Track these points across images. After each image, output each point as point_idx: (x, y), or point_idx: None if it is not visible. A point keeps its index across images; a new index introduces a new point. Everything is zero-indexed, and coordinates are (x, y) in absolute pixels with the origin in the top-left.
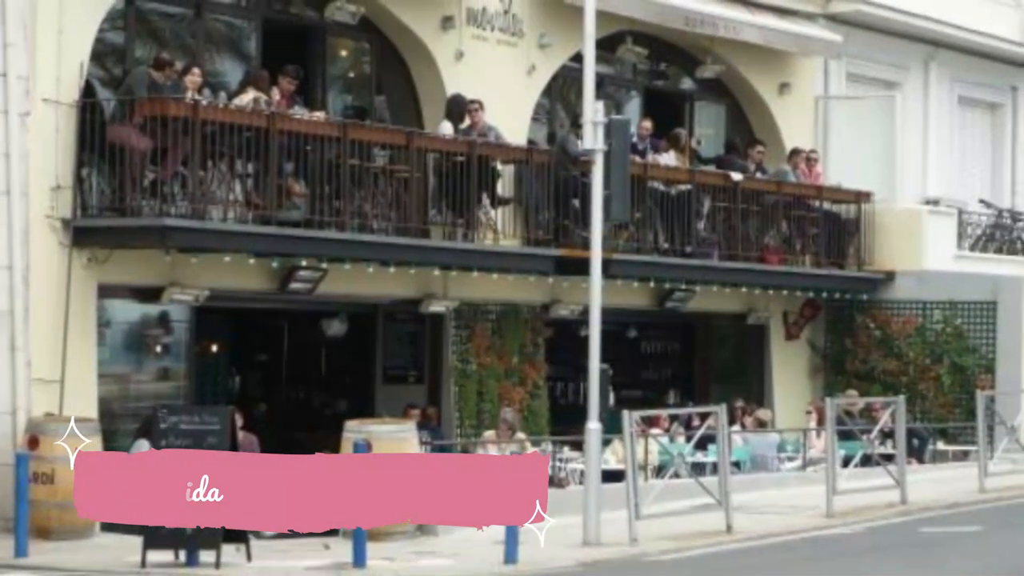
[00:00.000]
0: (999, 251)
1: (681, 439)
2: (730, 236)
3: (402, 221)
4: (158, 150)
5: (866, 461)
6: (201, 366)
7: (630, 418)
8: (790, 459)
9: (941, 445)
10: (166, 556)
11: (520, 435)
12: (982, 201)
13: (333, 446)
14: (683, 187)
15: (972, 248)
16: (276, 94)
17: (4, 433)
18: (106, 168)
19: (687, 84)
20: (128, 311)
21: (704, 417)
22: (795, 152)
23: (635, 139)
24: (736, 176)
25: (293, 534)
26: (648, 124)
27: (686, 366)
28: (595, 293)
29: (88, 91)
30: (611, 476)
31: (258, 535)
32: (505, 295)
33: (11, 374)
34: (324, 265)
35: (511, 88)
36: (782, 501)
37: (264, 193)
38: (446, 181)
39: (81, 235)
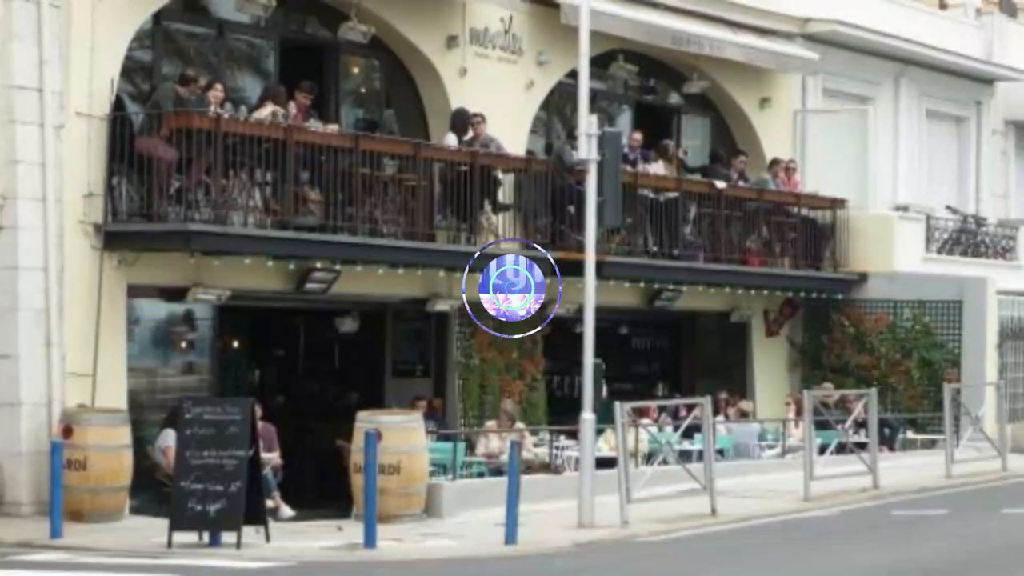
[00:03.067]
0: (964, 254)
1: (669, 428)
2: (714, 240)
3: (410, 226)
4: (183, 160)
5: (841, 449)
6: (223, 361)
7: (622, 409)
8: (770, 447)
9: (910, 434)
10: (191, 537)
11: (519, 425)
12: (948, 207)
13: (346, 435)
14: (671, 194)
15: (939, 251)
16: (293, 108)
17: (40, 423)
18: (135, 177)
19: (674, 99)
20: (155, 309)
21: (690, 408)
22: (775, 162)
23: (626, 150)
24: (720, 184)
25: (308, 517)
26: (638, 136)
27: (674, 361)
28: (589, 293)
29: (118, 105)
30: (604, 463)
31: (276, 518)
32: None
33: (46, 368)
34: (337, 267)
35: (511, 102)
36: (763, 486)
37: (281, 200)
38: (451, 189)
39: (112, 239)
